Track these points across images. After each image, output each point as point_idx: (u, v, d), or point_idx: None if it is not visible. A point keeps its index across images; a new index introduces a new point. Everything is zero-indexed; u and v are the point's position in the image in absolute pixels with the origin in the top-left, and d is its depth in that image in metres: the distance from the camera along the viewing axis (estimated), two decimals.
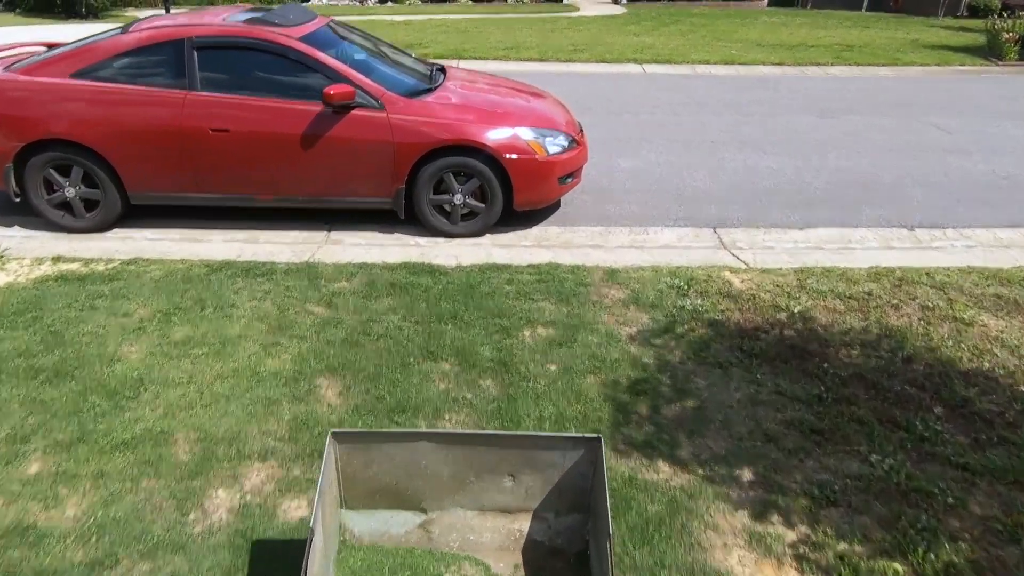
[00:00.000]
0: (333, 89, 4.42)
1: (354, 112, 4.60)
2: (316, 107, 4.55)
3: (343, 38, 5.27)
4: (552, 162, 4.79)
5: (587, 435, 2.15)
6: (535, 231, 5.08)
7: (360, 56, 5.19)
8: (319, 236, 4.98)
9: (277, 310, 3.79)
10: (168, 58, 4.62)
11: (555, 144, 4.84)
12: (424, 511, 2.26)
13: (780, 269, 4.41)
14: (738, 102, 9.17)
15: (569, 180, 5.06)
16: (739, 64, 12.19)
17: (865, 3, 22.91)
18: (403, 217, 4.91)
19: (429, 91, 4.91)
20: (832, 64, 12.44)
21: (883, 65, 12.51)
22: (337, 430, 2.14)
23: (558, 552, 2.24)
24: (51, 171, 4.74)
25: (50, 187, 4.78)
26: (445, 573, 2.17)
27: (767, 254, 4.71)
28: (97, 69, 4.60)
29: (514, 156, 4.67)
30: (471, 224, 4.92)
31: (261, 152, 4.65)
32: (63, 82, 4.59)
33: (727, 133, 7.61)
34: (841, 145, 7.25)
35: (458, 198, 4.82)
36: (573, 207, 5.52)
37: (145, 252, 4.61)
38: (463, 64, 11.41)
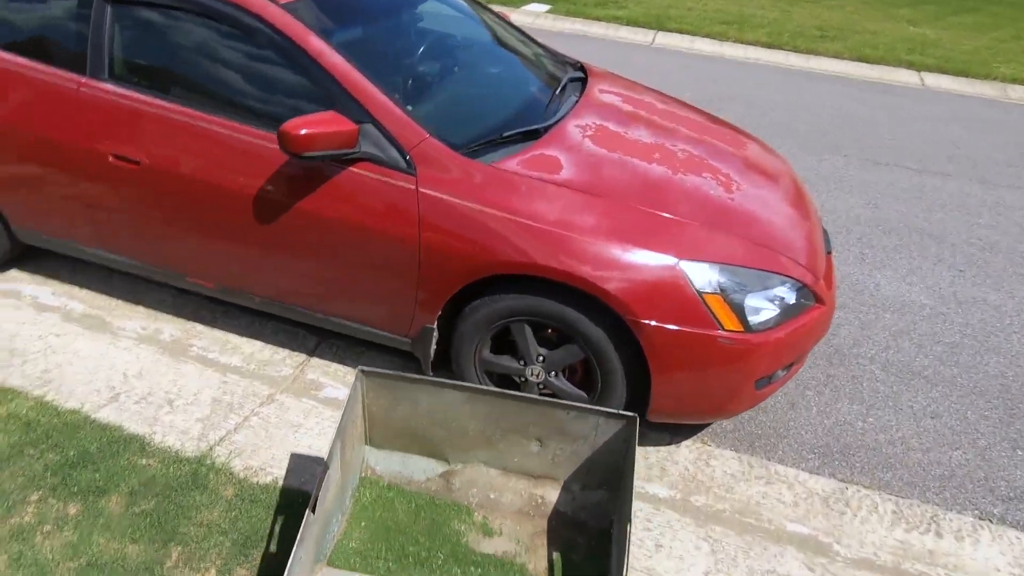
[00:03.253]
0: (304, 125, 2.05)
1: (353, 169, 2.24)
2: None
3: (404, 8, 2.84)
4: (751, 346, 2.11)
5: (623, 412, 2.00)
6: (684, 457, 2.48)
7: (423, 49, 2.75)
8: (291, 362, 2.76)
9: None
10: (68, 10, 2.52)
11: (765, 303, 2.15)
12: (447, 461, 2.20)
13: None
14: None
15: (781, 375, 2.37)
16: None
17: None
18: (429, 373, 2.54)
19: (528, 140, 2.38)
20: None
21: None
22: (365, 368, 2.03)
23: (580, 526, 2.11)
24: None
25: None
26: (459, 525, 2.08)
27: None
28: None
29: (662, 324, 2.08)
30: None
31: (193, 208, 2.46)
32: None
33: None
34: None
35: (535, 372, 2.34)
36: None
37: None
38: (660, 39, 8.51)
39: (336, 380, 2.70)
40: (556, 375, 2.34)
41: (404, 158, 2.18)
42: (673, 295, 2.07)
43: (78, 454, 2.23)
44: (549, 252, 2.07)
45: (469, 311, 2.30)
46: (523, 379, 2.38)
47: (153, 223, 2.55)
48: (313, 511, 1.71)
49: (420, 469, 2.20)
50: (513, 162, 2.23)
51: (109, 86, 2.42)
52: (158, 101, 2.37)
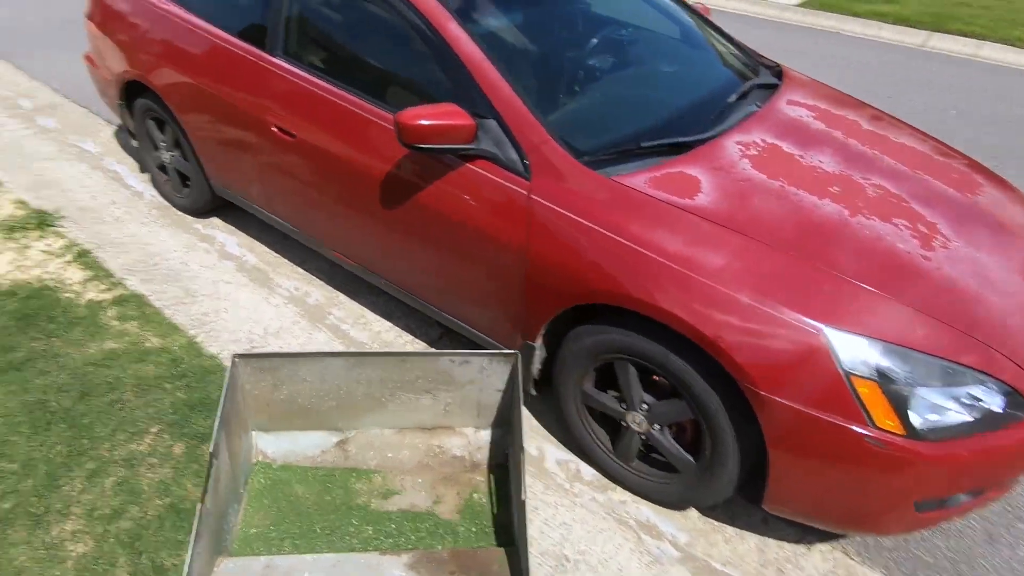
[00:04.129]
0: (421, 115, 1.93)
1: (469, 166, 2.09)
2: None
3: None
4: (914, 456, 1.59)
5: (504, 351, 2.03)
6: (812, 565, 1.98)
7: (581, 40, 2.47)
8: (411, 349, 2.75)
9: None
10: None
11: (948, 403, 1.60)
12: (340, 431, 2.19)
13: None
14: None
15: (963, 500, 1.77)
16: None
17: None
18: (533, 392, 2.34)
19: (672, 153, 2.03)
20: None
21: None
22: (240, 352, 1.98)
23: (478, 466, 2.17)
24: (150, 122, 3.42)
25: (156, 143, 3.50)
26: (362, 491, 2.08)
27: None
28: None
29: (789, 403, 1.65)
30: (658, 481, 2.09)
31: (332, 185, 2.51)
32: None
33: None
34: None
35: (636, 420, 2.03)
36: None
37: (166, 284, 3.03)
38: (934, 42, 7.09)
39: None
40: (662, 430, 2.00)
41: (523, 160, 1.98)
42: (809, 370, 1.63)
43: (200, 398, 2.43)
44: (657, 289, 1.74)
45: (573, 337, 2.05)
46: (625, 427, 2.08)
47: (302, 194, 2.67)
48: (204, 504, 1.70)
49: (313, 444, 2.18)
50: (641, 178, 1.91)
51: (278, 61, 2.55)
52: (310, 77, 2.45)
